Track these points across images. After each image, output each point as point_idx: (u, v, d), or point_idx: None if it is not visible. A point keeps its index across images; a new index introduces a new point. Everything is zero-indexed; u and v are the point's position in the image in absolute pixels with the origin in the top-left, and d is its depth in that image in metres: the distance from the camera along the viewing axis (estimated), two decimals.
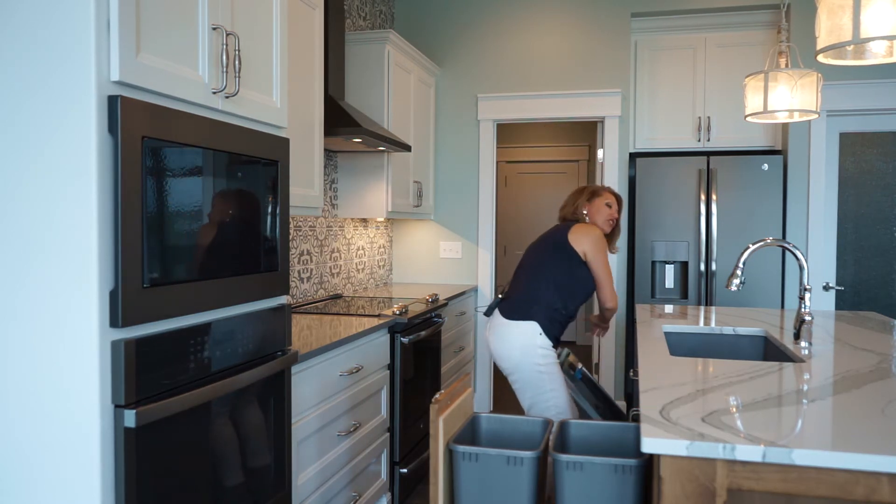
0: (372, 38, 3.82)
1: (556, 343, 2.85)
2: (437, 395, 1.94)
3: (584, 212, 3.00)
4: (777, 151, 4.37)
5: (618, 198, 3.05)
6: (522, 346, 2.75)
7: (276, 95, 2.03)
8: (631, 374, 2.53)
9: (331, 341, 2.43)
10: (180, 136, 1.57)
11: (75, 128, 1.38)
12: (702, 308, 3.31)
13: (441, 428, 1.85)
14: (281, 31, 2.03)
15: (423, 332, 3.24)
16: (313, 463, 2.35)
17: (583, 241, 2.82)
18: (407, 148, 3.71)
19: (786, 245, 2.42)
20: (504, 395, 5.14)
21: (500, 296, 2.96)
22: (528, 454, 1.77)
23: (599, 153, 4.59)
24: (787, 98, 2.73)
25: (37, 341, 1.44)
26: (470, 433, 2.07)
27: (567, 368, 2.94)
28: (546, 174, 7.22)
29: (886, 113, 4.10)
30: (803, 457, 1.26)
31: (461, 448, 1.82)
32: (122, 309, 1.41)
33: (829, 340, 2.42)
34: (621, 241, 4.47)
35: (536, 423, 2.10)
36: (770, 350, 2.56)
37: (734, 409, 1.52)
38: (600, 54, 4.47)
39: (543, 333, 2.75)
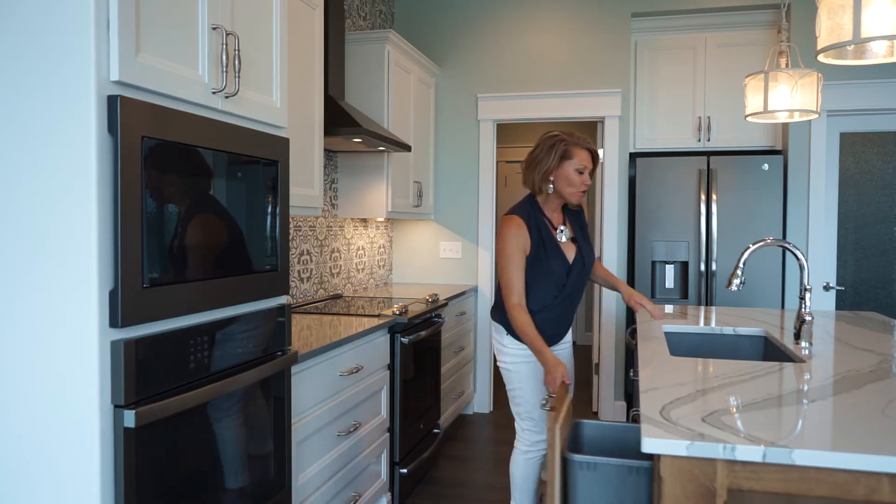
0: (372, 38, 3.82)
1: (550, 340, 2.66)
2: (545, 401, 1.86)
3: (551, 179, 2.48)
4: (777, 151, 4.37)
5: (594, 154, 2.51)
6: (494, 345, 2.72)
7: (276, 95, 2.03)
8: (631, 374, 2.52)
9: (331, 341, 2.43)
10: (180, 136, 1.57)
11: (75, 128, 1.38)
12: (702, 308, 3.31)
13: (558, 436, 1.79)
14: (281, 31, 2.03)
15: (423, 332, 3.24)
16: (313, 463, 2.35)
17: (496, 241, 2.51)
18: (407, 148, 3.71)
19: (786, 245, 2.42)
20: (504, 395, 5.14)
21: None
22: (649, 464, 1.70)
23: (599, 153, 4.58)
24: (787, 98, 2.73)
25: (36, 341, 1.44)
26: (573, 440, 2.01)
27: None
28: None
29: (886, 113, 4.10)
30: (803, 457, 1.26)
31: (579, 458, 1.74)
32: (121, 309, 1.41)
33: (830, 340, 2.42)
34: (620, 240, 4.47)
35: (632, 430, 2.02)
36: (770, 350, 2.56)
37: (734, 410, 1.52)
38: (600, 54, 4.47)
39: (510, 335, 2.60)
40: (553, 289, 2.55)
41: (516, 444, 2.70)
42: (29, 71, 1.41)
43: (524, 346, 2.59)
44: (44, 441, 1.44)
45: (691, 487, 1.32)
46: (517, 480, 2.69)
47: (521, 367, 2.61)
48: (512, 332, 2.62)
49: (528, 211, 2.53)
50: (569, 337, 2.82)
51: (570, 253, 2.58)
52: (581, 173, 2.47)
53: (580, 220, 2.70)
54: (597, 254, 4.66)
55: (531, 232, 2.50)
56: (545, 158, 2.49)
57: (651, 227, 4.29)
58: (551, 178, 2.49)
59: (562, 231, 2.57)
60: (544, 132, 2.62)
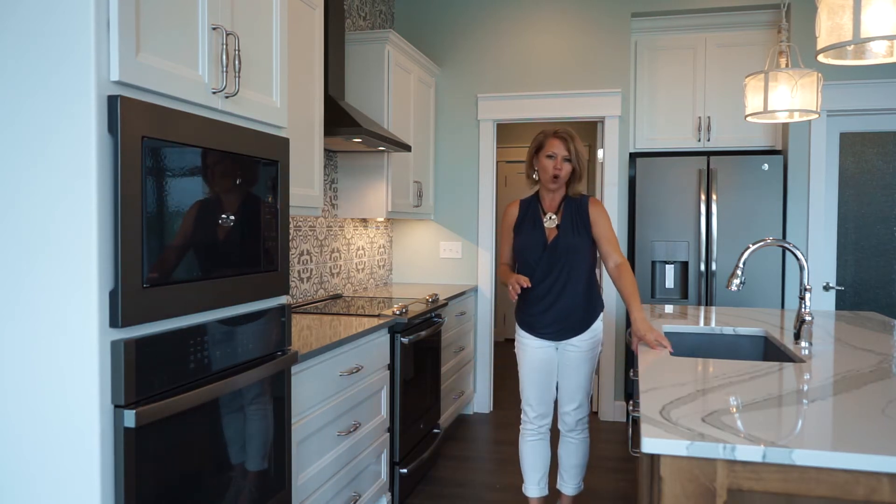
0: (372, 38, 3.82)
1: (543, 330, 2.76)
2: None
3: (535, 169, 2.79)
4: (777, 151, 4.37)
5: (565, 139, 2.69)
6: None
7: (276, 95, 2.03)
8: (631, 374, 2.52)
9: (331, 341, 2.43)
10: (180, 136, 1.57)
11: (75, 128, 1.38)
12: (702, 308, 3.31)
13: None
14: (281, 31, 2.03)
15: (423, 332, 3.24)
16: (313, 463, 2.35)
17: None
18: (407, 148, 3.71)
19: (786, 245, 2.42)
20: (504, 395, 5.14)
21: None
22: None
23: (599, 153, 4.59)
24: (787, 98, 2.73)
25: (37, 341, 1.44)
26: None
27: None
28: None
29: (886, 113, 4.10)
30: (803, 457, 1.26)
31: None
32: (121, 309, 1.41)
33: (830, 340, 2.42)
34: (621, 240, 4.46)
35: None
36: (770, 350, 2.56)
37: (734, 409, 1.52)
38: (600, 54, 4.47)
39: (517, 322, 2.89)
40: (530, 262, 2.76)
41: None
42: (29, 71, 1.41)
43: (524, 333, 2.85)
44: (44, 441, 1.44)
45: (691, 487, 1.32)
46: (521, 457, 2.95)
47: (518, 350, 2.89)
48: (520, 319, 2.87)
49: (529, 197, 2.89)
50: (579, 342, 2.78)
51: (551, 237, 2.77)
52: (551, 158, 2.71)
53: (579, 211, 2.79)
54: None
55: (521, 210, 2.85)
56: (529, 152, 2.83)
57: (651, 227, 4.29)
58: (535, 168, 2.80)
59: (551, 217, 2.78)
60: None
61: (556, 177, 2.69)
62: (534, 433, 2.87)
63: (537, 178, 2.80)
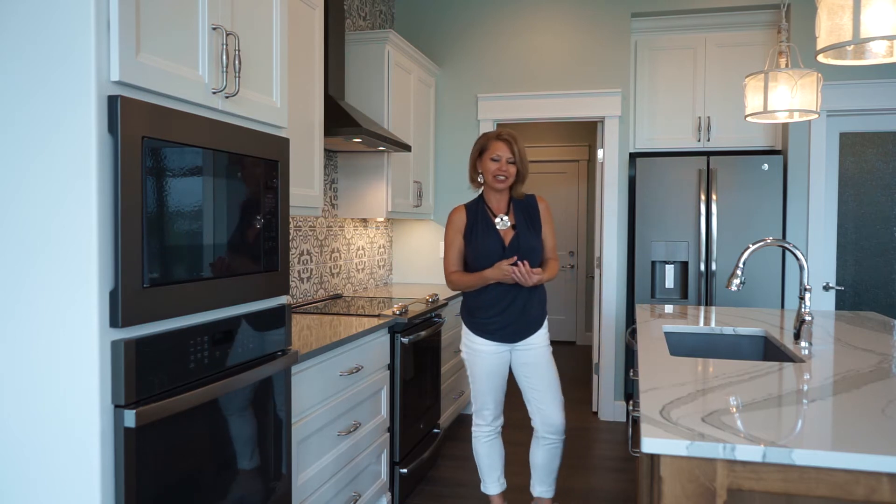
0: (372, 38, 3.82)
1: (499, 333, 2.75)
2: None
3: (480, 171, 2.80)
4: (777, 151, 4.37)
5: (509, 141, 2.72)
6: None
7: (276, 95, 2.03)
8: (631, 374, 2.52)
9: (331, 341, 2.43)
10: (180, 136, 1.57)
11: (75, 128, 1.38)
12: (702, 308, 3.31)
13: None
14: (281, 31, 2.03)
15: (423, 332, 3.24)
16: (313, 463, 2.35)
17: None
18: (407, 148, 3.71)
19: (786, 245, 2.42)
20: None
21: None
22: None
23: (599, 153, 4.59)
24: (787, 98, 2.73)
25: (37, 341, 1.44)
26: None
27: None
28: (546, 174, 7.22)
29: (886, 113, 4.10)
30: (803, 457, 1.26)
31: None
32: (121, 309, 1.41)
33: (829, 340, 2.42)
34: (620, 240, 4.47)
35: None
36: (770, 350, 2.56)
37: (734, 409, 1.52)
38: (600, 54, 4.47)
39: (464, 325, 2.86)
40: (490, 266, 2.70)
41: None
42: (29, 71, 1.41)
43: (477, 339, 2.80)
44: (44, 441, 1.44)
45: (691, 487, 1.32)
46: (478, 459, 2.98)
47: (470, 356, 2.85)
48: (469, 322, 2.83)
49: (474, 201, 2.86)
50: (537, 339, 2.80)
51: (508, 238, 2.77)
52: (496, 161, 2.73)
53: (529, 210, 2.83)
54: (596, 253, 4.66)
55: (468, 215, 2.80)
56: (472, 155, 2.83)
57: (651, 227, 4.29)
58: (479, 171, 2.80)
59: (502, 219, 2.78)
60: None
61: (500, 178, 2.71)
62: (490, 434, 2.92)
63: (482, 181, 2.80)
